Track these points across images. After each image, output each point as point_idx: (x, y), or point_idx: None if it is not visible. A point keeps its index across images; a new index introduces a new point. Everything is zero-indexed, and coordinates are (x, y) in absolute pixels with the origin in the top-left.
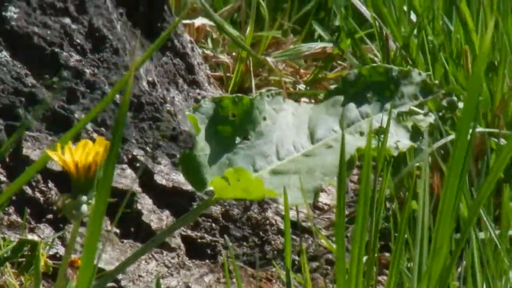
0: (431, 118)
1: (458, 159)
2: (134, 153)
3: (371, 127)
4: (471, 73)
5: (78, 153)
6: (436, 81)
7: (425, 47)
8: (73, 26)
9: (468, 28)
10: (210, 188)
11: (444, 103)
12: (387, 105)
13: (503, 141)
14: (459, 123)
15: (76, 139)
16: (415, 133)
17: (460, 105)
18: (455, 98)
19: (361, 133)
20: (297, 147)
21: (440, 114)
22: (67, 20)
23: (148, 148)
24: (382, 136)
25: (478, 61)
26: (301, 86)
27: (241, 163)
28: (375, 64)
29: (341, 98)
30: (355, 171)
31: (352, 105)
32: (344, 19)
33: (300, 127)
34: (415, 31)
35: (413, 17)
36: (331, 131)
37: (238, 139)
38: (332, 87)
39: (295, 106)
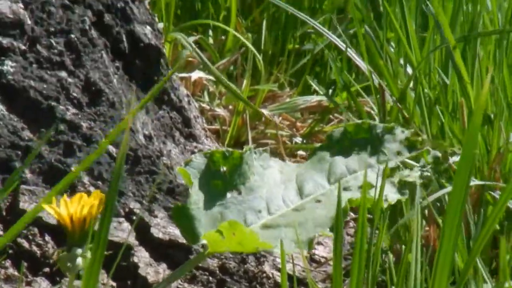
0: (417, 174)
1: (453, 212)
2: (131, 206)
3: (366, 180)
4: (468, 127)
5: (74, 206)
6: (420, 138)
7: (421, 100)
8: (70, 80)
9: (464, 81)
10: (204, 241)
11: (429, 158)
12: (373, 161)
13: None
14: (456, 177)
15: (73, 192)
16: (402, 187)
17: (453, 159)
18: (439, 154)
19: (349, 188)
20: (286, 202)
21: (428, 168)
22: (63, 74)
23: (144, 201)
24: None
25: (474, 116)
26: (298, 139)
27: (233, 217)
28: (360, 121)
29: (327, 154)
30: (350, 224)
31: (338, 161)
32: (339, 72)
33: (288, 183)
34: (411, 84)
35: (409, 70)
36: (319, 187)
37: (229, 193)
38: (318, 144)
39: (281, 164)
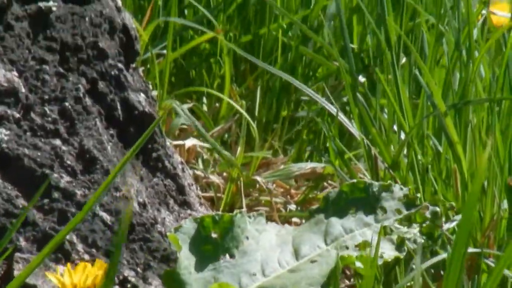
0: (416, 230)
1: (451, 280)
2: (125, 274)
3: (365, 242)
4: (466, 195)
5: (77, 276)
6: (418, 195)
7: (414, 166)
8: (64, 148)
9: (456, 148)
10: None
11: (427, 214)
12: (371, 219)
13: (493, 261)
14: (454, 246)
15: (67, 260)
16: (401, 244)
17: (447, 225)
18: (438, 209)
19: (346, 248)
20: (282, 264)
21: (424, 225)
22: (57, 142)
23: (139, 269)
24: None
25: (473, 185)
26: (292, 207)
27: (226, 280)
28: (355, 180)
29: (323, 216)
30: (344, 284)
31: (335, 222)
32: (332, 140)
33: (284, 246)
34: (404, 151)
35: (402, 136)
36: (316, 248)
37: (221, 257)
38: (314, 207)
39: (278, 227)
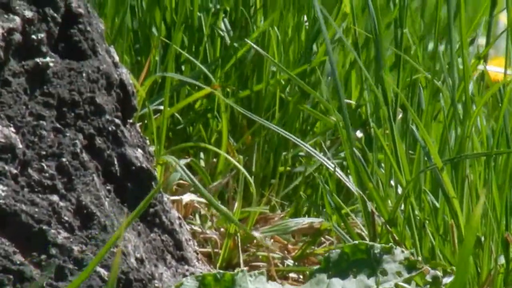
0: None
1: None
2: None
3: None
4: (459, 250)
5: None
6: (419, 257)
7: (411, 222)
8: (61, 204)
9: (453, 203)
10: None
11: (428, 278)
12: (372, 282)
13: None
14: None
15: None
16: None
17: (445, 280)
18: (439, 273)
19: None
20: None
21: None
22: (55, 198)
23: None
24: None
25: (466, 241)
26: (289, 262)
27: None
28: (357, 242)
29: (324, 276)
30: None
31: (336, 283)
32: (330, 195)
33: None
34: (401, 206)
35: (399, 191)
36: None
37: None
38: (316, 267)
39: (278, 286)
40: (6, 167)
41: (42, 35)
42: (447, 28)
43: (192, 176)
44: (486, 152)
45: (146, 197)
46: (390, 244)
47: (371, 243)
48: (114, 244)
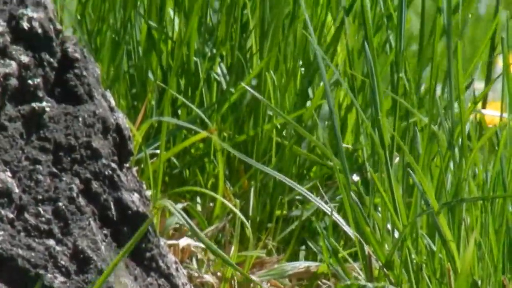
0: None
1: None
2: None
3: None
4: None
5: None
6: None
7: (408, 265)
8: (58, 248)
9: (450, 247)
10: None
11: None
12: None
13: None
14: None
15: None
16: None
17: None
18: None
19: None
20: None
21: None
22: (51, 242)
23: None
24: None
25: (459, 281)
26: None
27: None
28: (348, 282)
29: None
30: None
31: None
32: (326, 239)
33: None
34: (398, 250)
35: (396, 235)
36: None
37: None
38: None
39: None
40: (3, 212)
41: (38, 80)
42: (445, 72)
43: (189, 220)
44: (482, 196)
45: (141, 236)
46: (382, 283)
47: (364, 283)
48: (109, 287)
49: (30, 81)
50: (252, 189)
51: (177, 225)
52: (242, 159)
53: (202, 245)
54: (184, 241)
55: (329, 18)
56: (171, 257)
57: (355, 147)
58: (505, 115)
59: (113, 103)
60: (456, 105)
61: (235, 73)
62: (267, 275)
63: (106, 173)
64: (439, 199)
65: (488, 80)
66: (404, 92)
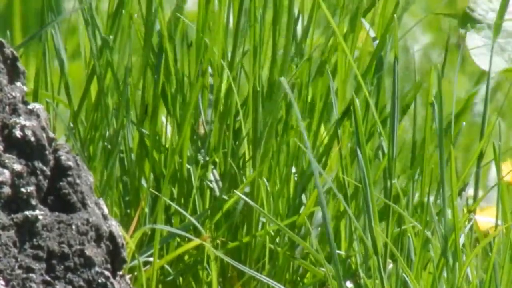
0: None
1: None
2: None
3: None
4: None
5: None
6: None
7: None
8: None
9: None
10: None
11: None
12: None
13: None
14: None
15: None
16: None
17: None
18: None
19: None
20: None
21: None
22: None
23: None
24: None
25: None
26: None
27: None
28: None
29: None
30: None
31: None
32: None
33: None
34: None
35: None
36: None
37: None
38: None
39: None
40: None
41: (31, 188)
42: (438, 179)
43: None
44: None
45: None
46: None
47: None
48: None
49: (23, 189)
50: None
51: None
52: (235, 266)
53: None
54: None
55: (322, 128)
56: None
57: (348, 253)
58: (500, 221)
59: (106, 210)
60: (449, 211)
61: (228, 180)
62: None
63: (100, 281)
64: None
65: (477, 188)
66: (397, 198)
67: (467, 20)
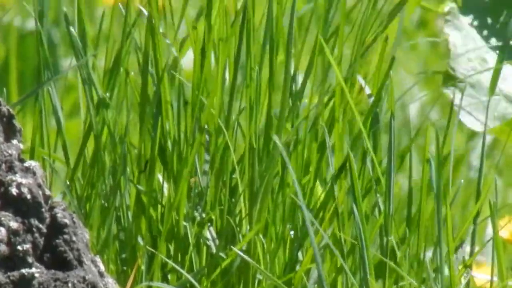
0: None
1: None
2: None
3: None
4: None
5: None
6: None
7: None
8: None
9: None
10: None
11: None
12: None
13: None
14: None
15: None
16: None
17: None
18: None
19: None
20: None
21: None
22: None
23: None
24: None
25: None
26: None
27: None
28: None
29: None
30: None
31: None
32: None
33: None
34: None
35: None
36: None
37: None
38: None
39: None
40: None
41: (27, 246)
42: (435, 235)
43: None
44: None
45: None
46: None
47: None
48: None
49: (19, 247)
50: None
51: None
52: None
53: None
54: None
55: (318, 185)
56: None
57: None
58: (495, 278)
59: (102, 268)
60: (446, 268)
61: (225, 237)
62: None
63: None
64: None
65: (474, 245)
66: (393, 255)
67: (450, 79)
